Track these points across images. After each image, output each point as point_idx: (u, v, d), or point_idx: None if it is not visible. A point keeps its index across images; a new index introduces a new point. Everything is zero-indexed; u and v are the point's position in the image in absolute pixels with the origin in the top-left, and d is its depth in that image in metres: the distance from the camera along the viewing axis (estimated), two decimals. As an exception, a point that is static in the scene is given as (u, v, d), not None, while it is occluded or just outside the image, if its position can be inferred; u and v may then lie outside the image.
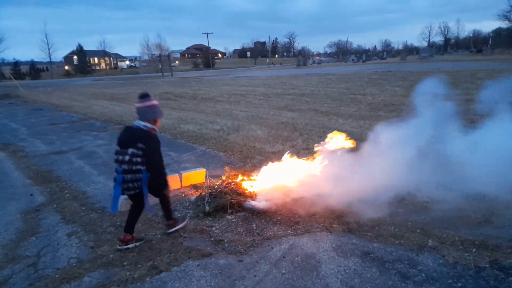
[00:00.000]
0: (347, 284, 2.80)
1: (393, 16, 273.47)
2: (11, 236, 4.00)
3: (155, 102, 3.51)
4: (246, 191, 4.43)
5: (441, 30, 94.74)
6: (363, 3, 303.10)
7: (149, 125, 3.43)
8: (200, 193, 4.66)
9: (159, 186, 3.58)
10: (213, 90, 21.75)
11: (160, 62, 62.07)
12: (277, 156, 5.94)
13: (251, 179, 4.83)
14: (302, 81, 24.81)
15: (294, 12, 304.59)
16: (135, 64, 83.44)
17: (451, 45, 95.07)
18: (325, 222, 3.87)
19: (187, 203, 4.57)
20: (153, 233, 3.85)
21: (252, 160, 6.28)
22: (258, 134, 8.48)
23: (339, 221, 3.86)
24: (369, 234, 3.58)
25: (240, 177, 4.85)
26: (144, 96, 3.50)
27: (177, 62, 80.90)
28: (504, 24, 62.67)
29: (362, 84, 19.52)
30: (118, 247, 3.54)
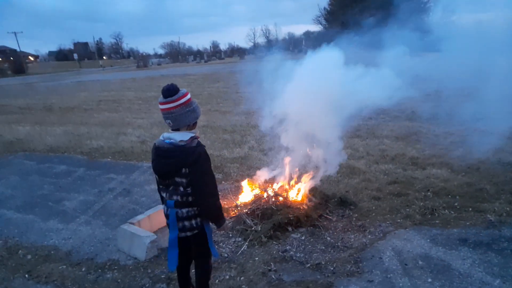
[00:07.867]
0: (495, 275, 2.81)
1: (217, 20, 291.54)
2: None
3: (189, 94, 2.33)
4: (295, 201, 3.95)
5: (264, 32, 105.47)
6: (186, 8, 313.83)
7: (192, 134, 2.28)
8: (231, 216, 3.90)
9: (214, 221, 2.43)
10: (67, 98, 18.09)
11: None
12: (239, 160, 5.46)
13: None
14: (167, 82, 23.56)
15: (115, 12, 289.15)
16: None
17: (273, 46, 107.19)
18: (386, 220, 3.78)
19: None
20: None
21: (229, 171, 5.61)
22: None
23: (398, 217, 3.84)
24: (436, 221, 3.68)
25: (285, 186, 4.24)
26: (174, 90, 2.27)
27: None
28: (317, 28, 73.53)
29: (236, 83, 19.89)
30: None
